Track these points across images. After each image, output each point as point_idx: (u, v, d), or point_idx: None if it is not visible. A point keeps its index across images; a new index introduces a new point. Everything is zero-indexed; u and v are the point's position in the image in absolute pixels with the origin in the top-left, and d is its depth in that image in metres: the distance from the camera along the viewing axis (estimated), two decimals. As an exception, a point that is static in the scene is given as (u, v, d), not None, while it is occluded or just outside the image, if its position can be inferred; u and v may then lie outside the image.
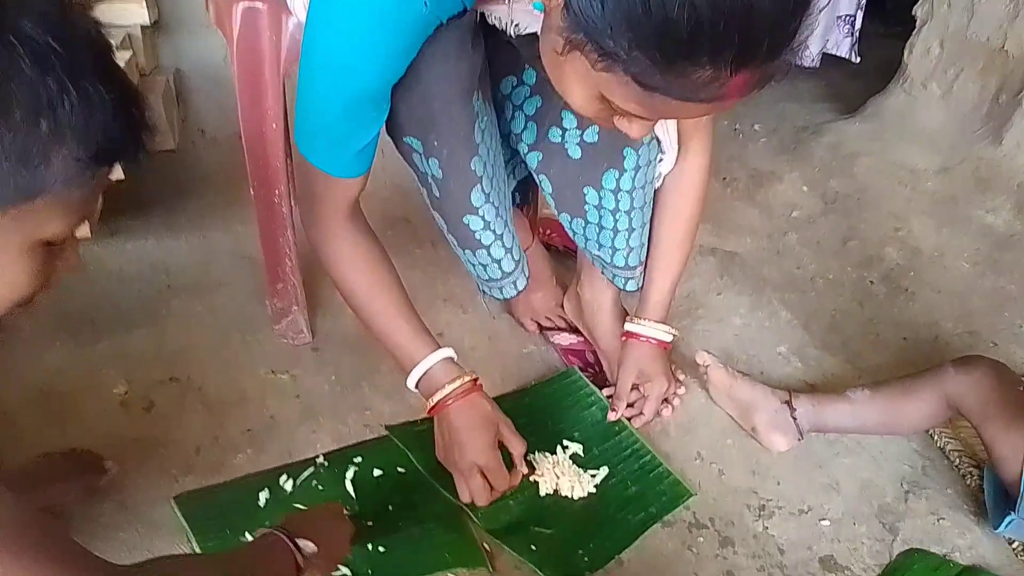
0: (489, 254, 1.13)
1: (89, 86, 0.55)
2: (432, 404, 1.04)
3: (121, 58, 1.31)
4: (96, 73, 0.56)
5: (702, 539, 1.08)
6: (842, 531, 1.11)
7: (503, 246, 1.14)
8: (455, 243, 1.14)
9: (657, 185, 1.18)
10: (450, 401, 1.03)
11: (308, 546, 0.83)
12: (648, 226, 1.22)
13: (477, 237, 1.11)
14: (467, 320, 1.43)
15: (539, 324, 1.40)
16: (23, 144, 0.53)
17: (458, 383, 1.03)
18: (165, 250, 1.53)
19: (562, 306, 1.41)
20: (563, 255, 1.56)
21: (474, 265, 1.16)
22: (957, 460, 1.22)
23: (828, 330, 1.49)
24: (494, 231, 1.11)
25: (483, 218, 1.09)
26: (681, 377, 1.31)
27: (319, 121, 0.92)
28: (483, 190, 1.07)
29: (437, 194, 1.07)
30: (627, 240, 1.20)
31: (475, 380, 1.06)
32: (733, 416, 1.26)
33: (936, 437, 1.25)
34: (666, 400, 1.26)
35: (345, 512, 0.96)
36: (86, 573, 0.59)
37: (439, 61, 0.92)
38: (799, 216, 1.88)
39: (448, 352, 1.05)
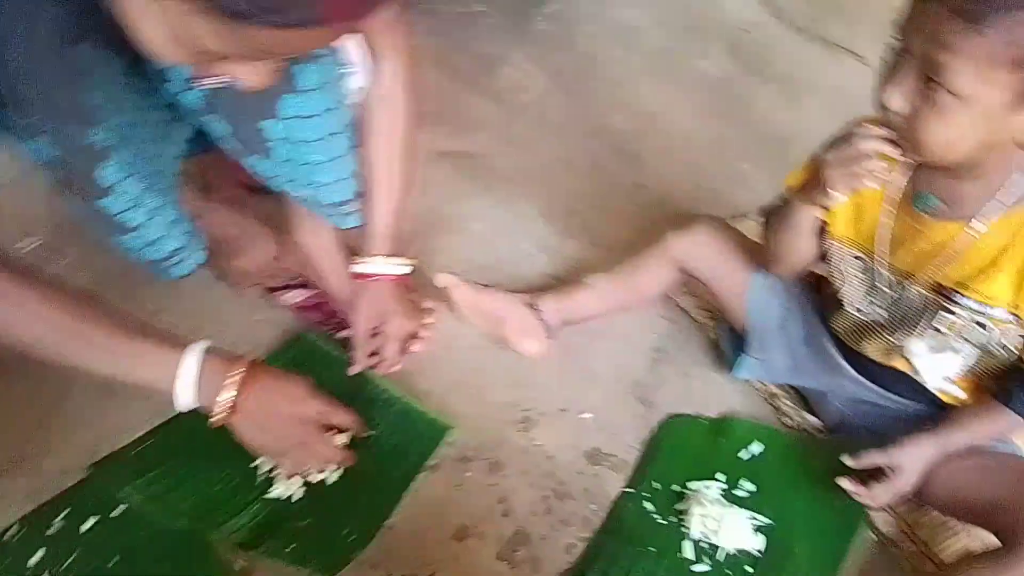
0: (142, 236, 0.96)
1: None
2: (217, 412, 0.82)
3: None
4: None
5: (470, 472, 1.04)
6: (603, 418, 1.12)
7: (164, 222, 0.97)
8: (102, 231, 0.95)
9: (357, 101, 1.04)
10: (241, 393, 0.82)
11: None
12: (355, 152, 1.09)
13: (122, 220, 0.92)
14: (177, 305, 1.23)
15: (262, 286, 1.25)
16: None
17: (238, 372, 0.83)
18: None
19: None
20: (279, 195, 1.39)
21: (131, 250, 0.99)
22: (697, 315, 1.26)
23: (567, 215, 1.47)
24: (146, 207, 0.94)
25: (126, 196, 0.91)
26: (428, 305, 1.24)
27: None
28: (117, 162, 0.88)
29: (63, 178, 0.88)
30: (329, 173, 1.06)
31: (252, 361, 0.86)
32: (484, 331, 1.21)
33: (677, 299, 1.29)
34: (414, 336, 1.18)
35: None
36: None
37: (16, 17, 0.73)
38: (527, 99, 1.82)
39: (203, 344, 0.82)
